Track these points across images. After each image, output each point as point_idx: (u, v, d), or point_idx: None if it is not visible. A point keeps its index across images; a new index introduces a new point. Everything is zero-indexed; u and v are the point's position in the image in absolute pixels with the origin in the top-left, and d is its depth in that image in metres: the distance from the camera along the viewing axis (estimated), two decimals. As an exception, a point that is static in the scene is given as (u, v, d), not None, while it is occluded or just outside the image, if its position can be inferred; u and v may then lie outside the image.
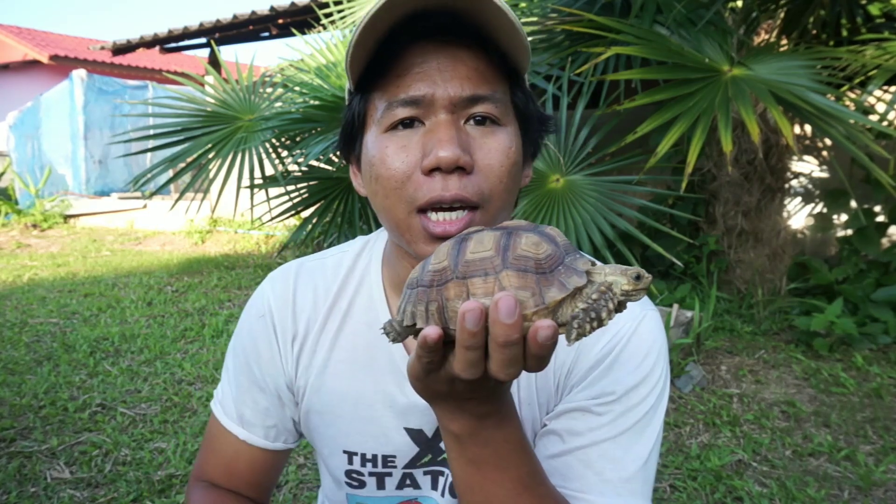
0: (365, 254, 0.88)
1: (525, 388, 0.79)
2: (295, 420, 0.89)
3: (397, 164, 0.69)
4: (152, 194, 4.23)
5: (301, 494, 2.22)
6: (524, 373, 0.78)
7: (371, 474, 0.86)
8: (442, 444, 0.82)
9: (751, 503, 2.14)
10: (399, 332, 0.57)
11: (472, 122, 0.70)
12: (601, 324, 0.50)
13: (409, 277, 0.57)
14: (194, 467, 0.91)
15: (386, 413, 0.83)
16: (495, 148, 0.70)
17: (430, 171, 0.68)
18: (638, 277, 0.52)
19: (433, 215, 0.68)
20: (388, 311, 0.83)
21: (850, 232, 4.31)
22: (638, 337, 0.77)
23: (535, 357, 0.50)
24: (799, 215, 4.76)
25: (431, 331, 0.50)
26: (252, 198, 3.55)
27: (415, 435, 0.83)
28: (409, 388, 0.81)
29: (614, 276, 0.52)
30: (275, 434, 0.88)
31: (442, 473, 0.85)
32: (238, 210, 3.73)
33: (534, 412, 0.79)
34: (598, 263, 0.54)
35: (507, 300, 0.47)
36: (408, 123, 0.70)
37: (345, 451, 0.86)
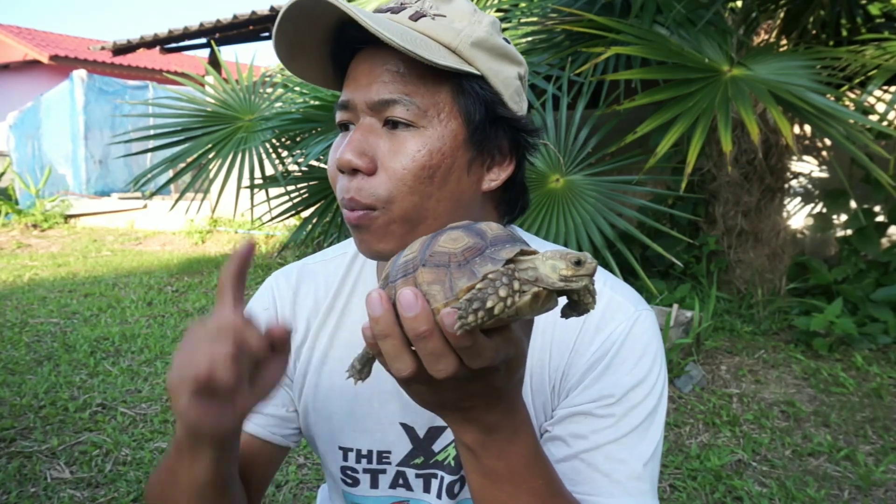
0: (360, 256, 0.89)
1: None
2: (290, 413, 0.89)
3: (330, 162, 0.77)
4: (152, 194, 4.23)
5: (301, 494, 2.22)
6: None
7: (365, 471, 0.86)
8: (434, 447, 0.83)
9: (750, 503, 2.14)
10: (359, 369, 0.59)
11: (389, 124, 0.73)
12: (490, 313, 0.47)
13: None
14: None
15: (382, 409, 0.84)
16: (399, 151, 0.72)
17: (340, 172, 0.74)
18: (578, 262, 0.49)
19: (345, 211, 0.76)
20: None
21: (849, 232, 4.32)
22: (633, 337, 0.76)
23: (460, 349, 0.49)
24: (799, 215, 4.76)
25: (364, 324, 0.52)
26: (252, 198, 3.56)
27: (409, 431, 0.84)
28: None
29: (553, 260, 0.49)
30: (273, 424, 0.88)
31: (435, 476, 0.85)
32: (238, 210, 3.73)
33: (530, 412, 0.79)
34: (548, 251, 0.51)
35: (406, 293, 0.49)
36: (344, 126, 0.77)
37: (340, 448, 0.86)
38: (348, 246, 0.92)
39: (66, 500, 2.14)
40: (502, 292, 0.47)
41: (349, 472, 0.87)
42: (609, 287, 0.81)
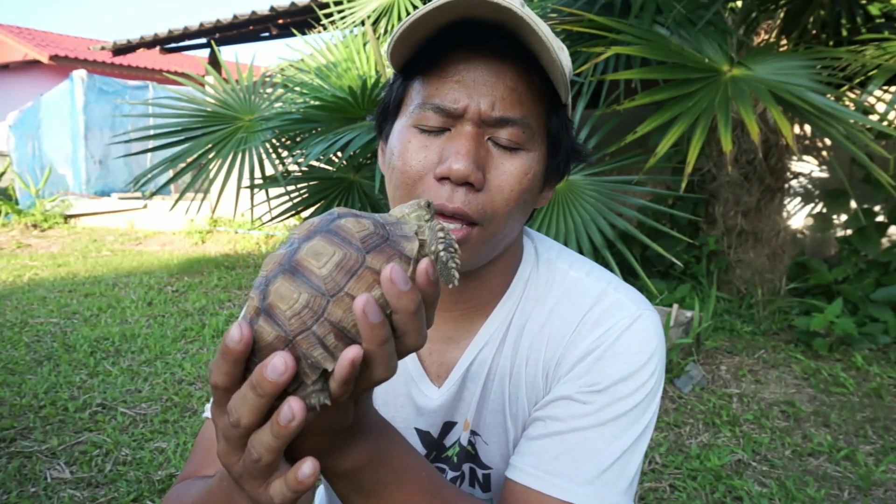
0: None
1: (514, 384, 0.79)
2: None
3: (414, 162, 0.72)
4: (152, 194, 4.23)
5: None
6: (511, 368, 0.80)
7: None
8: (446, 441, 0.83)
9: (750, 503, 2.14)
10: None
11: (494, 140, 0.71)
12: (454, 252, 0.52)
13: None
14: (180, 475, 0.85)
15: (396, 415, 0.83)
16: (510, 172, 0.71)
17: (442, 179, 0.69)
18: (427, 205, 0.53)
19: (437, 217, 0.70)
20: None
21: (849, 232, 4.32)
22: (630, 333, 0.75)
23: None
24: (799, 215, 4.76)
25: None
26: (252, 198, 3.55)
27: (423, 436, 0.84)
28: (418, 391, 0.82)
29: (413, 210, 0.53)
30: None
31: (442, 471, 0.85)
32: (238, 210, 3.73)
33: (522, 407, 0.79)
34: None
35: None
36: (436, 129, 0.72)
37: None
38: None
39: (66, 500, 2.14)
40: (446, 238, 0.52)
41: None
42: (613, 288, 0.80)
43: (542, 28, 0.67)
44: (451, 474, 0.84)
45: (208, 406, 0.88)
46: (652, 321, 0.78)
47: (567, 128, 0.78)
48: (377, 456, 0.57)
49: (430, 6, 0.66)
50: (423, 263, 0.47)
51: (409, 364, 0.83)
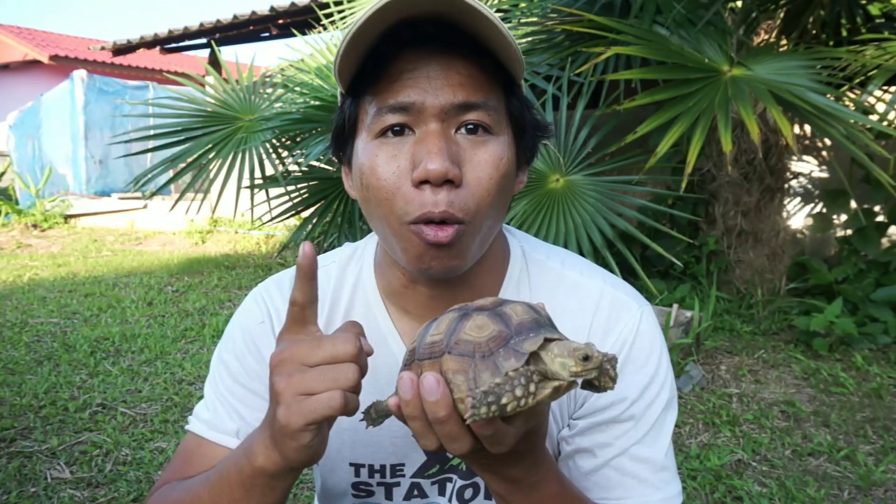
0: (354, 262, 0.86)
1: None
2: None
3: (387, 174, 0.68)
4: (153, 194, 4.23)
5: (301, 494, 2.22)
6: None
7: (380, 484, 0.85)
8: (449, 454, 0.82)
9: (750, 503, 2.14)
10: (374, 418, 0.63)
11: (463, 130, 0.69)
12: (503, 409, 0.49)
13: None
14: (158, 481, 0.83)
15: (393, 422, 0.82)
16: (485, 160, 0.69)
17: (420, 184, 0.66)
18: (586, 358, 0.50)
19: (424, 227, 0.68)
20: (388, 320, 0.82)
21: (849, 232, 4.31)
22: (640, 335, 0.78)
23: (480, 436, 0.53)
24: (799, 215, 4.76)
25: (392, 400, 0.56)
26: (252, 198, 3.56)
27: None
28: None
29: (561, 358, 0.51)
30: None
31: (450, 480, 0.84)
32: (238, 210, 3.73)
33: (549, 425, 0.79)
34: (563, 340, 0.52)
35: (429, 379, 0.52)
36: (398, 130, 0.69)
37: (351, 464, 0.84)
38: (337, 254, 0.88)
39: (66, 500, 2.14)
40: (518, 392, 0.50)
41: (362, 487, 0.85)
42: (610, 285, 0.81)
43: (487, 10, 0.64)
44: (460, 483, 0.83)
45: (194, 421, 0.86)
46: (651, 315, 0.81)
47: (527, 107, 0.76)
48: (518, 493, 0.63)
49: (367, 12, 0.63)
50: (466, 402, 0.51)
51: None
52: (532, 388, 0.50)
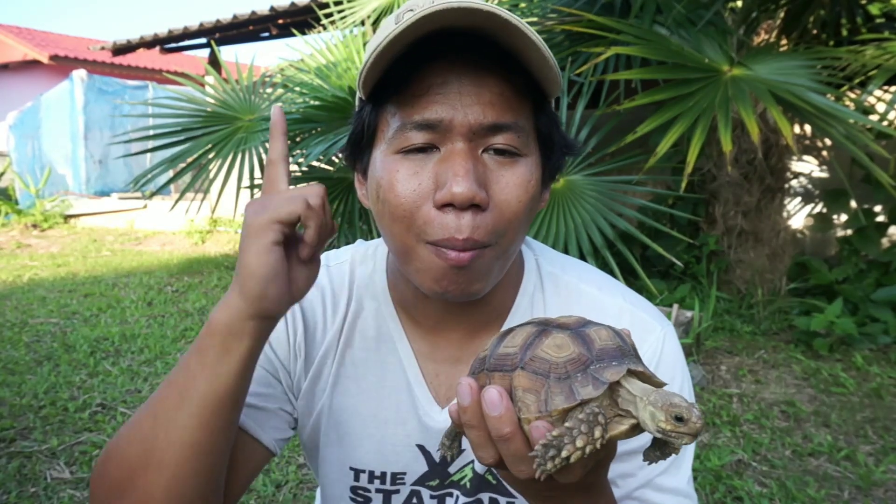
0: (367, 262, 0.84)
1: None
2: (287, 420, 0.84)
3: (407, 192, 0.65)
4: (152, 194, 4.23)
5: (301, 494, 2.22)
6: None
7: (378, 491, 0.83)
8: (450, 468, 0.81)
9: (751, 503, 2.14)
10: (448, 445, 0.61)
11: (490, 151, 0.65)
12: (566, 461, 0.45)
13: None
14: None
15: (398, 430, 0.80)
16: (513, 182, 0.66)
17: (443, 206, 0.63)
18: (680, 419, 0.44)
19: (444, 249, 0.65)
20: (399, 326, 0.80)
21: (850, 232, 4.32)
22: (665, 358, 0.76)
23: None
24: (799, 215, 4.77)
25: (451, 405, 0.53)
26: (252, 198, 3.55)
27: (426, 454, 0.81)
28: (424, 410, 0.79)
29: (653, 408, 0.45)
30: (264, 419, 0.79)
31: (450, 495, 0.83)
32: (238, 210, 3.73)
33: None
34: (654, 393, 0.47)
35: (491, 392, 0.49)
36: (422, 148, 0.65)
37: (352, 468, 0.83)
38: (350, 251, 0.87)
39: (66, 500, 2.14)
40: (579, 442, 0.45)
41: (360, 492, 0.84)
42: (630, 303, 0.79)
43: (527, 27, 0.61)
44: (462, 500, 0.82)
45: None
46: (674, 335, 0.79)
47: (556, 124, 0.73)
48: None
49: (404, 24, 0.60)
50: (534, 424, 0.48)
51: (415, 388, 0.79)
52: (598, 432, 0.45)
